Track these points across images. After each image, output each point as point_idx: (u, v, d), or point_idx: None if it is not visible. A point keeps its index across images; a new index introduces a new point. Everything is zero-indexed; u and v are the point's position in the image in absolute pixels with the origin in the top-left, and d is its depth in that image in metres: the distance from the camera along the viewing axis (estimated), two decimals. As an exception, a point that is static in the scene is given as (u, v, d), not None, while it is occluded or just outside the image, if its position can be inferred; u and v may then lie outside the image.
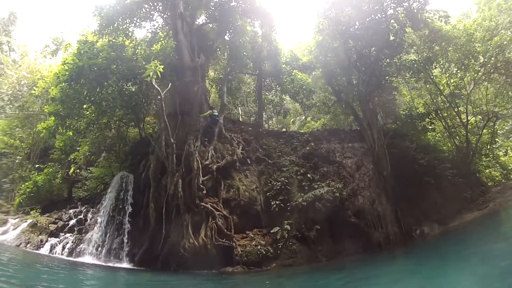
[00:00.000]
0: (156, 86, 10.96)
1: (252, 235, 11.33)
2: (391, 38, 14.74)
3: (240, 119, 19.04)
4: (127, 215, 12.34)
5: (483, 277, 5.75)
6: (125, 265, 10.98)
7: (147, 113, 15.40)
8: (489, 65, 16.79)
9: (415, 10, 14.42)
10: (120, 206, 12.54)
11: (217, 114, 14.10)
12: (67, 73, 11.69)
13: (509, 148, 20.98)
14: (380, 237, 11.33)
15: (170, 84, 12.30)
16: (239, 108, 20.76)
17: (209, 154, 12.14)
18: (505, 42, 15.91)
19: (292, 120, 21.16)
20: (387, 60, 15.20)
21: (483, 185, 15.58)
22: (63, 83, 11.80)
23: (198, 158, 11.75)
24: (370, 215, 11.63)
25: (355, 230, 11.27)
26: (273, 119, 21.42)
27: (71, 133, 14.32)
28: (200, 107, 13.44)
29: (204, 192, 11.37)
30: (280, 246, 10.76)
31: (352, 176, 12.53)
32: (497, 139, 19.02)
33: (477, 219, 11.91)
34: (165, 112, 11.64)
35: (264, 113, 18.68)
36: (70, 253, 11.05)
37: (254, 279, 9.83)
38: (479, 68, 17.25)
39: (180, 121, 12.77)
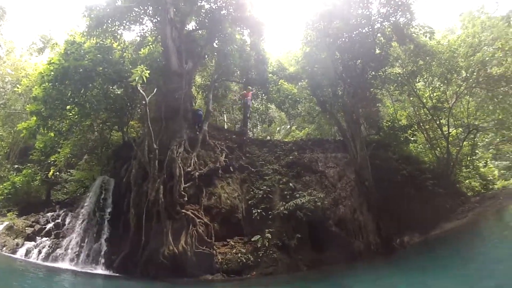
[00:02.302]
0: (141, 90, 10.93)
1: (233, 243, 11.28)
2: (377, 51, 15.09)
3: (225, 127, 18.99)
4: (106, 220, 12.19)
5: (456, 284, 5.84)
6: (103, 271, 10.75)
7: (132, 117, 15.24)
8: (471, 80, 17.29)
9: (402, 25, 14.77)
10: (100, 211, 12.35)
11: (201, 111, 14.14)
12: (52, 73, 11.58)
13: (488, 159, 21.53)
14: (361, 246, 11.41)
15: (156, 89, 12.25)
16: (225, 116, 20.72)
17: (192, 161, 12.06)
18: (487, 58, 16.47)
19: (277, 129, 21.28)
20: (373, 72, 15.52)
21: (463, 195, 15.89)
22: (47, 83, 11.67)
23: (180, 165, 11.66)
24: (351, 224, 11.72)
25: (336, 239, 11.32)
26: (258, 127, 21.45)
27: (52, 134, 14.04)
28: (185, 113, 13.38)
29: (186, 199, 11.27)
30: (260, 255, 10.72)
31: (334, 186, 12.62)
32: (477, 151, 19.53)
33: (456, 228, 12.16)
34: (149, 117, 11.57)
35: (249, 121, 18.65)
36: (46, 258, 10.71)
37: (234, 287, 9.77)
38: (461, 83, 17.75)
39: (164, 126, 12.66)
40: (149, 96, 11.51)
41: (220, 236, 11.38)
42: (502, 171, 23.85)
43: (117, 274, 10.47)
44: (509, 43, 17.20)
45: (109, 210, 12.44)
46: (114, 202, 12.56)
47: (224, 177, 12.31)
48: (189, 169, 11.78)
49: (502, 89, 17.17)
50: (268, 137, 18.56)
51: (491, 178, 20.32)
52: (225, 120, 20.65)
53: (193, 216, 11.12)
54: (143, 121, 13.41)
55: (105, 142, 16.12)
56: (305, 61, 15.84)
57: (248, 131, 18.31)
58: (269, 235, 10.86)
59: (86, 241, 11.57)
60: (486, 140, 21.19)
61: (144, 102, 11.33)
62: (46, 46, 24.75)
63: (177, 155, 11.83)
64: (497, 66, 16.88)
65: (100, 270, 10.76)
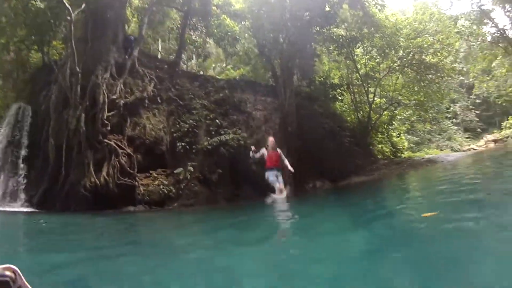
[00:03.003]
0: (67, 4, 9.99)
1: (156, 175, 11.40)
2: (327, 8, 15.16)
3: (159, 56, 17.81)
4: (23, 153, 11.55)
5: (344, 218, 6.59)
6: (22, 208, 10.35)
7: (54, 36, 13.77)
8: (405, 60, 18.81)
9: (357, -10, 15.04)
10: (16, 143, 11.65)
11: (133, 37, 13.40)
12: (-37, -21, 9.93)
13: (402, 132, 24.43)
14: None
15: (84, 4, 11.15)
16: (159, 44, 19.50)
17: (118, 88, 11.41)
18: (425, 45, 17.94)
19: (212, 65, 20.88)
20: (317, 28, 15.70)
21: (374, 157, 17.91)
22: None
23: (105, 91, 11.03)
24: (270, 165, 12.50)
25: (255, 177, 11.93)
26: (193, 61, 20.66)
27: (-40, 53, 12.26)
28: (114, 35, 12.37)
29: (109, 128, 10.90)
30: (182, 187, 11.06)
31: (259, 128, 13.15)
32: (394, 122, 21.93)
33: (362, 182, 13.74)
34: (75, 36, 10.62)
35: (184, 53, 17.86)
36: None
37: (155, 216, 10.04)
38: (396, 60, 19.24)
39: (90, 48, 11.70)
40: (76, 12, 10.58)
41: (143, 168, 11.37)
42: (411, 144, 27.53)
43: (38, 210, 10.13)
44: (449, 40, 19.06)
45: (25, 141, 11.75)
46: (31, 132, 11.83)
47: (150, 108, 12.00)
48: (114, 97, 11.20)
49: (430, 76, 19.11)
50: (202, 72, 17.95)
51: (401, 147, 23.30)
52: (159, 49, 19.42)
53: (116, 146, 10.89)
54: (66, 41, 12.25)
55: (22, 64, 14.59)
56: (253, 0, 15.46)
57: (182, 63, 17.56)
58: (191, 168, 11.16)
59: (1, 177, 11.06)
60: (404, 115, 23.65)
61: (69, 18, 10.34)
62: None
63: (102, 81, 11.13)
64: (432, 55, 18.58)
65: (19, 207, 10.39)
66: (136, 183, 10.85)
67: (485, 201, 4.96)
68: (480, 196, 5.76)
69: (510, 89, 24.22)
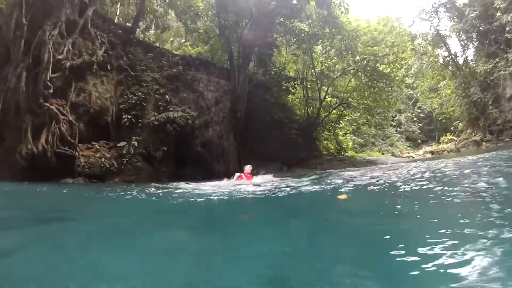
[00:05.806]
0: None
1: (98, 147, 11.06)
2: (294, 2, 15.49)
3: (115, 21, 16.56)
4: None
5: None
6: None
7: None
8: (360, 65, 19.92)
9: (325, -11, 15.12)
10: None
11: None
12: None
13: (348, 132, 26.18)
14: (221, 170, 12.69)
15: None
16: (118, 8, 18.30)
17: (66, 48, 10.65)
18: (380, 54, 19.12)
19: (171, 39, 20.21)
20: (281, 19, 16.02)
21: (318, 152, 19.01)
22: None
23: (51, 50, 10.22)
24: (216, 148, 12.80)
25: (200, 158, 12.19)
26: (151, 31, 19.83)
27: None
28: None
29: (51, 91, 10.19)
30: (125, 162, 10.87)
31: (209, 109, 13.27)
32: (341, 122, 23.41)
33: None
34: (25, -17, 9.70)
35: (143, 22, 17.14)
36: None
37: (92, 189, 9.83)
38: (352, 64, 20.35)
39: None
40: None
41: (85, 138, 10.97)
42: (355, 145, 29.50)
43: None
44: (404, 55, 20.58)
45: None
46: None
47: (98, 74, 11.43)
48: (60, 57, 10.45)
49: (381, 84, 20.53)
50: (158, 44, 17.19)
51: (345, 146, 24.90)
52: (117, 14, 18.27)
53: (58, 112, 10.28)
54: (14, -12, 11.10)
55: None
56: (220, -22, 15.09)
57: (139, 31, 16.85)
58: (135, 143, 11.00)
59: None
60: (352, 116, 25.35)
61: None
62: None
63: (49, 38, 10.26)
64: (385, 65, 19.96)
65: None
66: (77, 153, 10.43)
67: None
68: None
69: (451, 108, 26.91)
